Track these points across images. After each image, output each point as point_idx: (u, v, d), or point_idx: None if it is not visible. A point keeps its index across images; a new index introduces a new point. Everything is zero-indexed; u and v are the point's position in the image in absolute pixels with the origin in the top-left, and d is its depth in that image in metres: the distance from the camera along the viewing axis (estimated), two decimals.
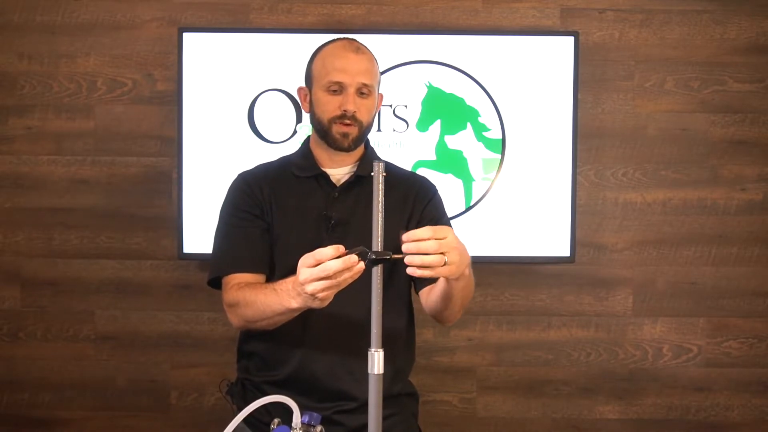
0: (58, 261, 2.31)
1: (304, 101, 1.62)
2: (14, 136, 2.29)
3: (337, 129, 1.52)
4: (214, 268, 1.57)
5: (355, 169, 1.59)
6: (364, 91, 1.53)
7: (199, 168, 2.21)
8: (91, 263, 2.31)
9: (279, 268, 1.54)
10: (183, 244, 2.20)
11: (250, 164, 1.67)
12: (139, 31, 2.29)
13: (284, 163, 1.64)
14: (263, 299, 1.40)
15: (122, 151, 2.30)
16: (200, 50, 2.20)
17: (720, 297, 2.33)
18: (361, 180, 1.56)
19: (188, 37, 2.19)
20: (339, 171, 1.59)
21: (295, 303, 1.31)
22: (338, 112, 1.51)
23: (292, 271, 1.34)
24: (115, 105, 2.29)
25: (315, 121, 1.57)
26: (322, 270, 1.21)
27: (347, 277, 1.21)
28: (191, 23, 2.27)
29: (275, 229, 1.56)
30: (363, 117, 1.53)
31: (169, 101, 2.28)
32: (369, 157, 1.60)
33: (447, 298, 1.43)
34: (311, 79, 1.58)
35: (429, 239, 1.19)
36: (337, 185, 1.57)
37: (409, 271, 1.20)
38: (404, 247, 1.19)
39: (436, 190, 1.66)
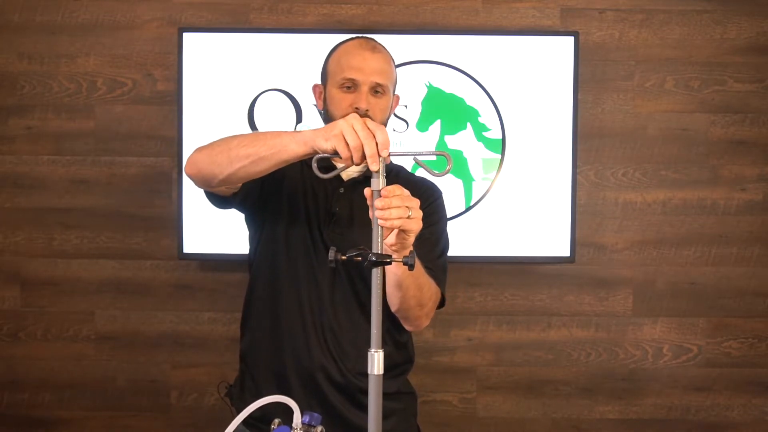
0: (58, 261, 2.31)
1: (318, 98, 1.61)
2: (14, 136, 2.29)
3: None
4: None
5: (365, 168, 1.58)
6: (378, 90, 1.52)
7: None
8: (91, 263, 2.31)
9: (272, 251, 1.54)
10: (183, 244, 2.20)
11: None
12: (139, 31, 2.29)
13: None
14: (260, 135, 1.38)
15: (122, 151, 2.30)
16: (200, 50, 2.20)
17: (720, 297, 2.33)
18: (369, 179, 1.56)
19: (188, 37, 2.19)
20: (350, 168, 1.58)
21: (309, 142, 1.29)
22: (350, 110, 1.50)
23: (283, 258, 1.45)
24: (115, 105, 2.29)
25: (328, 119, 1.57)
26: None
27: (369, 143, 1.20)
28: (191, 23, 2.27)
29: (275, 212, 1.55)
30: (376, 116, 1.51)
31: (169, 101, 2.27)
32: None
33: (399, 284, 1.42)
34: (326, 76, 1.57)
35: (388, 197, 1.20)
36: (345, 181, 1.57)
37: (383, 223, 1.18)
38: (376, 204, 1.19)
39: (439, 195, 1.65)
